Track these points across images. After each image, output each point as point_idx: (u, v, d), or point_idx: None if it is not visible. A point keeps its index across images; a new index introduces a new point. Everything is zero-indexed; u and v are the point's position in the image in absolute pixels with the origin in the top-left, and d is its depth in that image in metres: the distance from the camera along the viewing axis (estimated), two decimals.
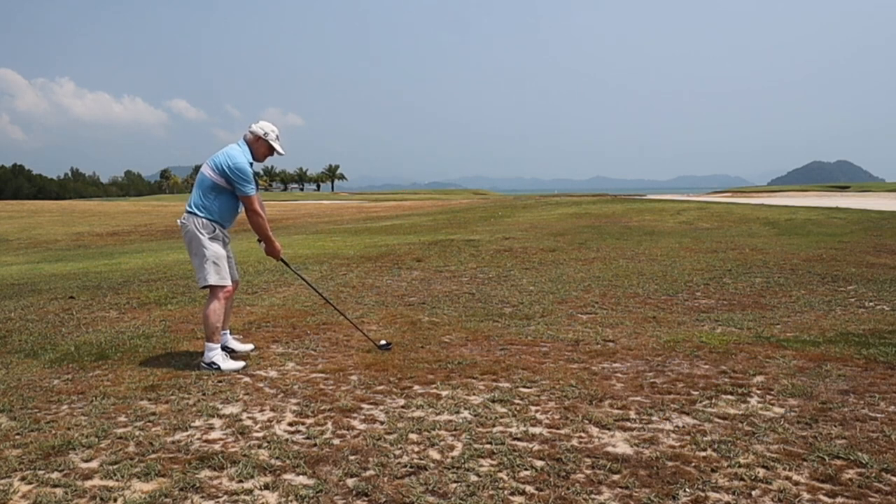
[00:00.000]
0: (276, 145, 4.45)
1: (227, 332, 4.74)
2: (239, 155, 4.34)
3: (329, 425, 3.27)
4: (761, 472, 2.68)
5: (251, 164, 4.40)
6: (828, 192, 57.34)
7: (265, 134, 4.43)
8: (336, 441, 3.07)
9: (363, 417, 3.37)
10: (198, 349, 4.83)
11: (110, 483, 2.68)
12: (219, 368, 4.26)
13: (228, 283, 4.45)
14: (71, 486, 2.64)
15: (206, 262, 4.33)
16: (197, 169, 5.34)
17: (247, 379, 4.08)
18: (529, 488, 2.58)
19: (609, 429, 3.17)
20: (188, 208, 4.40)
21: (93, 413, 3.48)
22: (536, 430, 3.17)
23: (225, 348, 4.60)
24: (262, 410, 3.51)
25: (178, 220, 4.51)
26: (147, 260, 11.48)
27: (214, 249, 4.36)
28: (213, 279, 4.34)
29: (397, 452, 2.92)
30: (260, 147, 4.45)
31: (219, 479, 2.70)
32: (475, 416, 3.35)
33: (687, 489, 2.55)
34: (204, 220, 4.36)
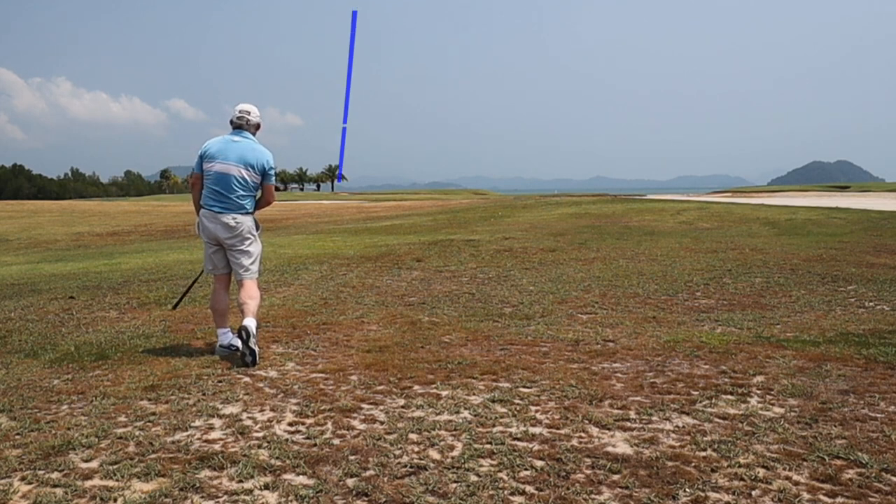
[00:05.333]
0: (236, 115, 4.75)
1: (228, 330, 4.75)
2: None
3: (329, 425, 3.27)
4: (761, 472, 2.68)
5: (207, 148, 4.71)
6: (828, 192, 57.32)
7: (238, 118, 4.76)
8: (336, 441, 3.07)
9: (363, 417, 3.37)
10: (198, 349, 4.83)
11: (110, 483, 2.68)
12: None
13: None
14: (71, 486, 2.64)
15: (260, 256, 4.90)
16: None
17: (247, 379, 4.08)
18: (529, 488, 2.58)
19: (609, 429, 3.17)
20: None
21: (93, 413, 3.48)
22: (536, 430, 3.17)
23: (230, 347, 4.63)
24: (262, 410, 3.51)
25: (234, 220, 4.66)
26: (147, 260, 11.48)
27: None
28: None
29: (397, 452, 2.92)
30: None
31: (219, 479, 2.70)
32: (475, 416, 3.35)
33: (687, 489, 2.55)
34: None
